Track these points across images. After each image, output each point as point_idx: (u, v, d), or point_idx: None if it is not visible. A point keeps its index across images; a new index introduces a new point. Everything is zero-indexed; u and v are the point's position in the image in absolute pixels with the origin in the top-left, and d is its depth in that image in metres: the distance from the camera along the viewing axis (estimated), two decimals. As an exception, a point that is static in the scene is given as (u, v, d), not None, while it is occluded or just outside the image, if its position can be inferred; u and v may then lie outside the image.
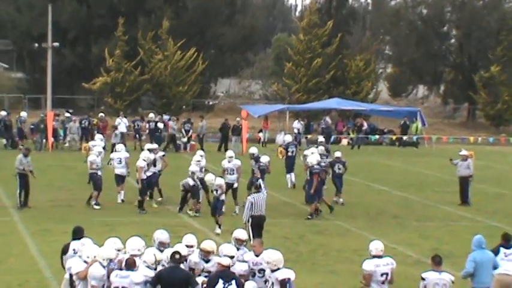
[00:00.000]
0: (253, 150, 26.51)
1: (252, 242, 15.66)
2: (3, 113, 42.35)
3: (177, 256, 12.03)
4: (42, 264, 17.75)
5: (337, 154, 26.76)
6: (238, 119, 43.59)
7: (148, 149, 25.60)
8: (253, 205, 18.76)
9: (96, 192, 24.87)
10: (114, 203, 25.22)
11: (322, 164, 25.16)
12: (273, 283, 12.17)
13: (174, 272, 11.83)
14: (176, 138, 42.15)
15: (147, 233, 19.34)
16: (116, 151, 27.09)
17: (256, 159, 25.78)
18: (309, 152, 26.57)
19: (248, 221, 18.66)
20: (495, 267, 13.96)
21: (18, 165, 24.49)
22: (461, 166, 27.02)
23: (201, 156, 25.27)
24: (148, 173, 24.59)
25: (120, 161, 25.60)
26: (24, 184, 24.51)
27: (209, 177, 22.83)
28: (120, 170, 25.52)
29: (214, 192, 21.84)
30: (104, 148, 27.92)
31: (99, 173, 24.98)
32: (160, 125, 41.85)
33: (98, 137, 30.00)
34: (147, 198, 24.87)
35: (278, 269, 12.22)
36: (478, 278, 13.78)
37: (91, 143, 29.27)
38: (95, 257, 12.11)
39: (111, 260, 12.02)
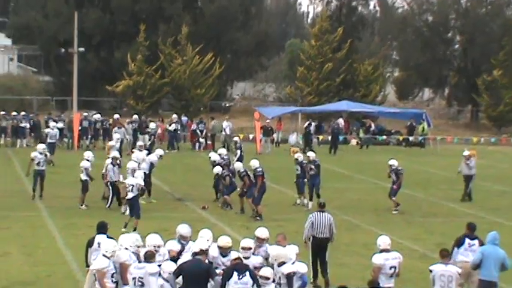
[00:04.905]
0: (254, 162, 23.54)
1: (311, 261, 15.80)
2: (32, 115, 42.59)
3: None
4: (69, 257, 17.83)
5: (309, 154, 25.36)
6: (268, 120, 43.67)
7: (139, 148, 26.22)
8: (313, 224, 16.48)
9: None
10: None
11: None
12: (280, 277, 12.13)
13: (195, 264, 11.89)
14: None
15: (166, 228, 19.48)
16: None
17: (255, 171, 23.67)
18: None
19: (309, 239, 16.40)
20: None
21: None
22: (464, 166, 27.20)
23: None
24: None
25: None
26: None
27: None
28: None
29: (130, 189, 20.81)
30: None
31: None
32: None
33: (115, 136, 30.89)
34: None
35: (284, 263, 12.21)
36: (483, 270, 13.86)
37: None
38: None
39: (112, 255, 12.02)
